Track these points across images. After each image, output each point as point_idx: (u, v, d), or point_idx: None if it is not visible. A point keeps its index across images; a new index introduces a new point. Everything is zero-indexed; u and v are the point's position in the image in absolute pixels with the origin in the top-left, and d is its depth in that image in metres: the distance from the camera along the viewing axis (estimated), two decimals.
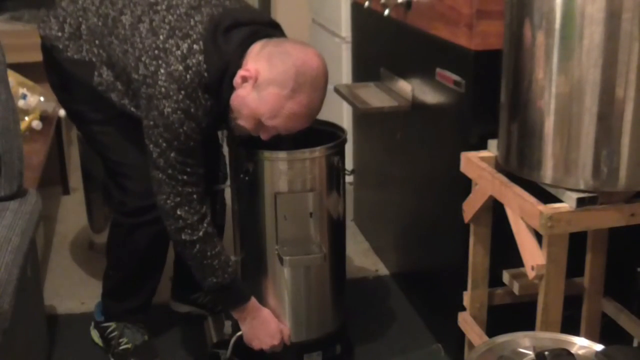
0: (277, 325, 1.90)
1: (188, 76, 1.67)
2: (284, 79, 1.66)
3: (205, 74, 1.68)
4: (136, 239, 1.94)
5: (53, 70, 1.93)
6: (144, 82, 1.71)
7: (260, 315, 1.89)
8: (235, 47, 1.70)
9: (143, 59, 1.71)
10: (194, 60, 1.67)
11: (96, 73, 1.83)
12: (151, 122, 1.71)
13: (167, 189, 1.74)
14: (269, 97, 1.68)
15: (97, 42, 1.82)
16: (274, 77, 1.66)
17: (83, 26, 1.84)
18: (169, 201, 1.74)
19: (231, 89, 1.71)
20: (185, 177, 1.73)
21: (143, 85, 1.71)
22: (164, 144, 1.70)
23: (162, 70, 1.68)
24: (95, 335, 2.14)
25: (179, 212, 1.75)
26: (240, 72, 1.68)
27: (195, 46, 1.68)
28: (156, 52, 1.69)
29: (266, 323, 1.89)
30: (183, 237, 1.76)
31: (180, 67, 1.67)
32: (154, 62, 1.69)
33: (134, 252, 1.97)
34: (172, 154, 1.71)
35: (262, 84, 1.67)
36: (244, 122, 1.74)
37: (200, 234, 1.76)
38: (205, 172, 1.80)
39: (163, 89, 1.67)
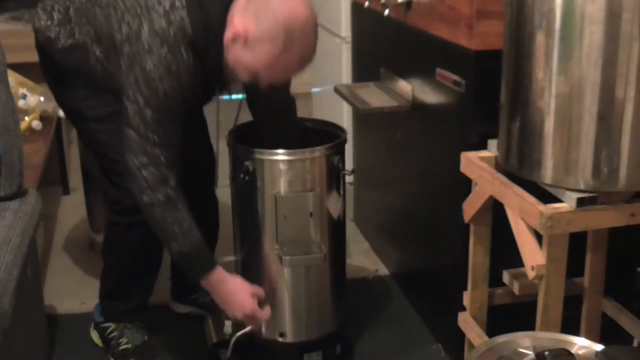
0: (246, 294, 1.84)
1: (171, 31, 1.67)
2: (274, 35, 1.66)
3: (189, 29, 1.68)
4: (133, 237, 1.94)
5: (48, 66, 1.93)
6: (127, 40, 1.71)
7: (225, 286, 1.83)
8: (219, 1, 1.70)
9: (126, 19, 1.72)
10: (176, 16, 1.68)
11: (91, 55, 1.83)
12: (132, 80, 1.70)
13: (136, 147, 1.72)
14: (263, 55, 1.68)
15: (84, 19, 1.83)
16: (263, 35, 1.66)
17: (71, 10, 1.85)
18: (135, 160, 1.73)
19: (218, 46, 1.71)
20: (156, 137, 1.71)
21: (126, 44, 1.71)
22: (142, 101, 1.70)
23: (145, 27, 1.68)
24: (95, 335, 2.15)
25: (144, 173, 1.72)
26: (229, 31, 1.69)
27: (177, 2, 1.69)
28: (138, 10, 1.70)
29: (233, 293, 1.84)
30: (144, 198, 1.74)
31: (164, 23, 1.67)
32: (137, 20, 1.70)
33: (130, 250, 1.97)
34: (149, 112, 1.70)
35: (253, 42, 1.67)
36: (242, 76, 1.74)
37: (161, 197, 1.73)
38: (197, 170, 1.78)
39: (146, 45, 1.68)
